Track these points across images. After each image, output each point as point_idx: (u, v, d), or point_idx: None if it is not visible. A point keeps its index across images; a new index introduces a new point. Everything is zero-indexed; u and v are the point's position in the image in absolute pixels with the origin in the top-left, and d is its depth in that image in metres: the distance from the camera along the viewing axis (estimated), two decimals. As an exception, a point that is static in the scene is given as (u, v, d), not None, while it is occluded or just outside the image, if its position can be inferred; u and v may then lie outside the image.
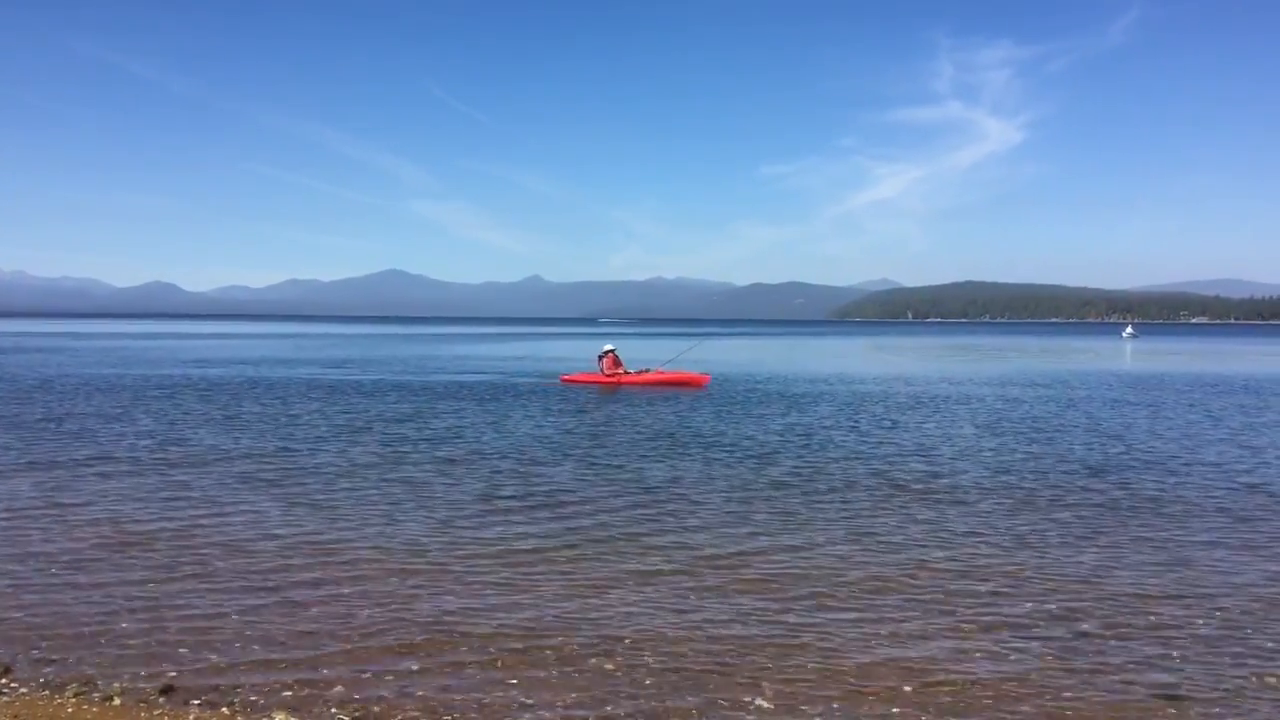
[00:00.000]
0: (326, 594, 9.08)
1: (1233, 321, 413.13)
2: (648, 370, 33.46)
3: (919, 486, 14.66)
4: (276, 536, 11.21)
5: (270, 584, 9.37)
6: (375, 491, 13.99)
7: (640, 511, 12.78)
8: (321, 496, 13.60)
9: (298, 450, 17.80)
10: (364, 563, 10.14)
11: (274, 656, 7.53)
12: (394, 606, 8.73)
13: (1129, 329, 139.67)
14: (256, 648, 7.70)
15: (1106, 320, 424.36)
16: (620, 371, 32.88)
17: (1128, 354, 72.06)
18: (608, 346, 34.05)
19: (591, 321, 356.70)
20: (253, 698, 6.80)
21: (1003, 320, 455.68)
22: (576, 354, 57.28)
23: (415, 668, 7.35)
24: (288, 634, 8.01)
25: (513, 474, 15.56)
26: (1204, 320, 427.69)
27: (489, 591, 9.21)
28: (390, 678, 7.16)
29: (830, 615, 8.62)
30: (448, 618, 8.45)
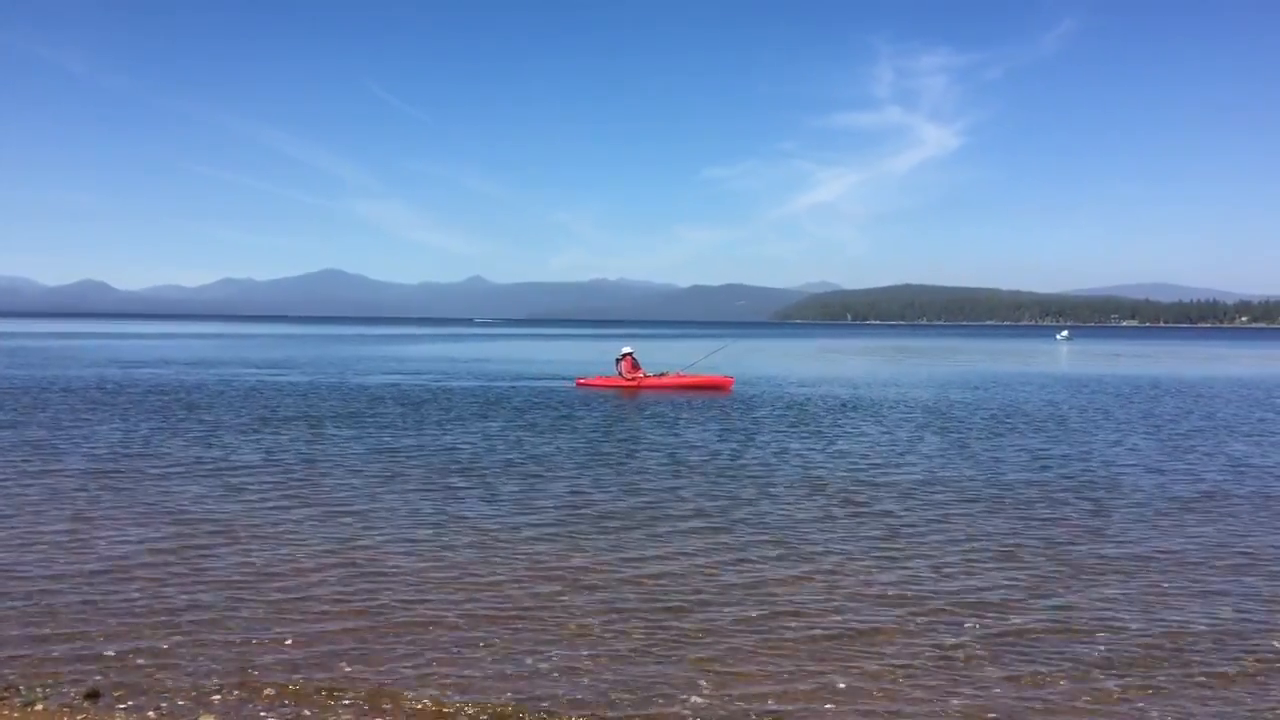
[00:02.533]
0: (259, 594, 8.89)
1: (1162, 324, 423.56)
2: (667, 374, 32.45)
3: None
4: (207, 535, 10.98)
5: (202, 584, 9.14)
6: (316, 491, 13.73)
7: (594, 507, 12.72)
8: (256, 493, 13.33)
9: (240, 447, 17.43)
10: (299, 565, 9.93)
11: (204, 659, 7.34)
12: (328, 606, 8.57)
13: (1064, 332, 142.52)
14: (185, 651, 7.49)
15: (1040, 323, 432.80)
16: (640, 375, 31.80)
17: (1064, 356, 73.51)
18: (626, 349, 32.85)
19: (538, 323, 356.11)
20: (180, 702, 6.62)
21: (940, 323, 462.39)
22: (576, 356, 56.95)
23: (348, 668, 7.22)
24: (218, 638, 7.82)
25: (472, 466, 15.35)
26: (1134, 323, 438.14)
27: (428, 585, 9.09)
28: (322, 677, 7.02)
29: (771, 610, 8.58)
30: (383, 617, 8.31)
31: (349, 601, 8.69)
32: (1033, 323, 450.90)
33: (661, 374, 32.33)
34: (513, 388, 33.10)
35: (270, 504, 12.80)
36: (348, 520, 11.88)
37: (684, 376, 32.41)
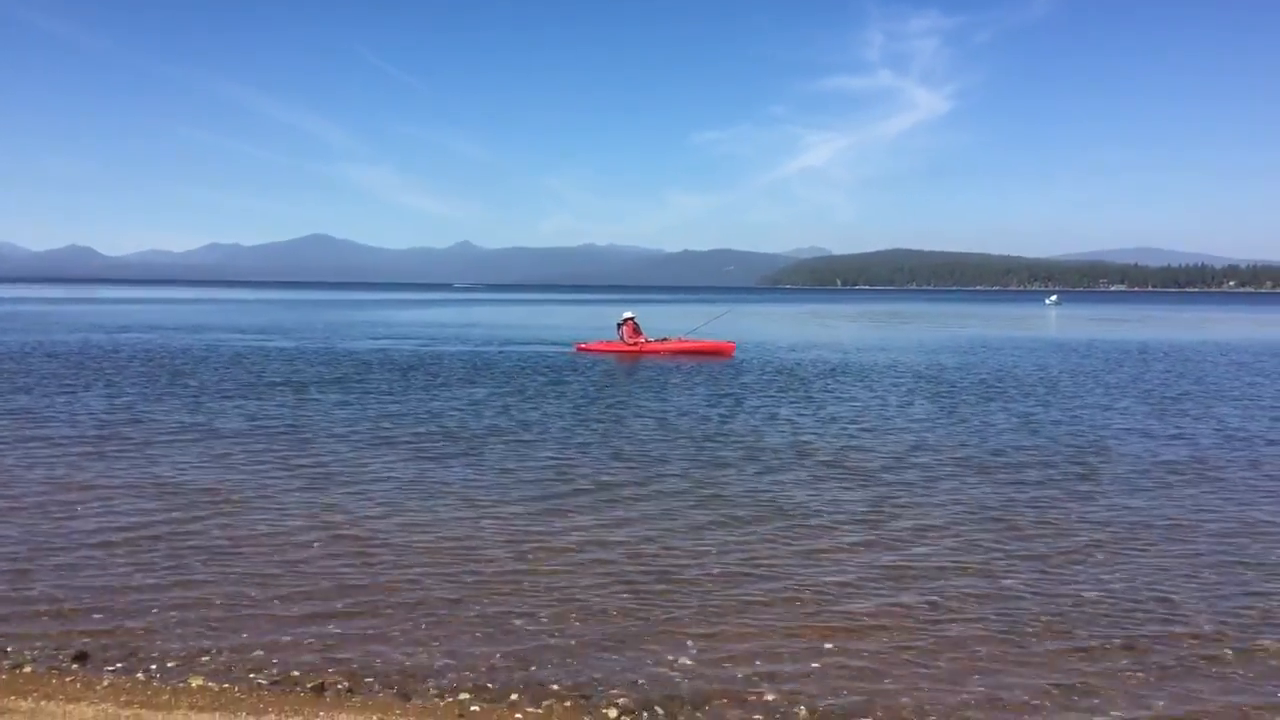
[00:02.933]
0: (246, 559, 8.89)
1: (1150, 289, 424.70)
2: (668, 339, 32.33)
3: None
4: (193, 501, 10.95)
5: (188, 549, 9.13)
6: (302, 457, 13.72)
7: (583, 471, 12.73)
8: (243, 460, 13.31)
9: (225, 414, 17.40)
10: (287, 528, 9.94)
11: (191, 622, 7.34)
12: (316, 571, 8.58)
13: (1053, 296, 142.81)
14: (174, 614, 7.49)
15: (1028, 288, 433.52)
16: (641, 340, 31.68)
17: (1054, 321, 73.68)
18: (627, 314, 32.78)
19: (522, 288, 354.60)
20: (169, 664, 6.63)
21: (929, 288, 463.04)
22: (562, 321, 56.85)
23: (337, 631, 7.23)
24: (206, 600, 7.83)
25: (457, 439, 15.35)
26: (1123, 288, 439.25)
27: (413, 556, 9.07)
28: (312, 641, 7.03)
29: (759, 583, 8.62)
30: (371, 582, 8.31)
31: (337, 568, 8.68)
32: (1021, 288, 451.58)
33: (663, 339, 32.22)
34: (501, 353, 33.09)
35: (257, 471, 12.76)
36: (334, 487, 11.86)
37: (685, 342, 32.32)
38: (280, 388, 21.58)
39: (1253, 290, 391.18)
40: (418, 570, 8.60)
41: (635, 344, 31.51)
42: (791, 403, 20.11)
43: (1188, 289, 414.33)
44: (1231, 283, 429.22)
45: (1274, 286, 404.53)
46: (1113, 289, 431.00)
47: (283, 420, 16.91)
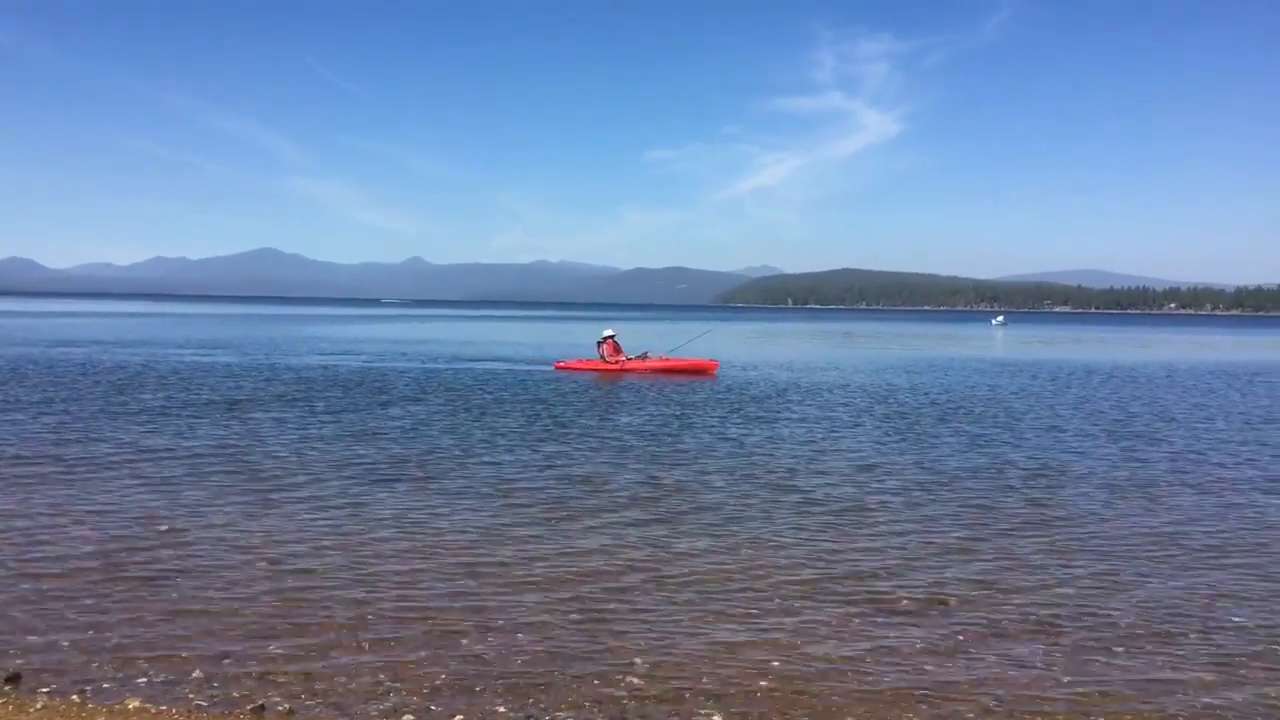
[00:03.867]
0: (184, 581, 8.72)
1: (1094, 310, 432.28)
2: (645, 356, 31.94)
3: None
4: (128, 524, 10.72)
5: (124, 572, 8.94)
6: (242, 478, 13.52)
7: (533, 491, 12.66)
8: (181, 481, 13.07)
9: (163, 432, 17.08)
10: (226, 549, 9.77)
11: (129, 644, 7.18)
12: (256, 592, 8.44)
13: (1000, 317, 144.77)
14: (110, 635, 7.33)
15: (975, 308, 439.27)
16: (622, 358, 31.35)
17: (1000, 341, 74.68)
18: (608, 332, 32.40)
19: (475, 304, 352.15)
20: (106, 685, 6.49)
21: (878, 307, 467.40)
22: (508, 338, 56.33)
23: (278, 652, 7.12)
24: (143, 621, 7.67)
25: (402, 460, 15.20)
26: (1067, 309, 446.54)
27: (356, 577, 8.96)
28: (251, 662, 6.92)
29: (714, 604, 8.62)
30: (312, 601, 8.21)
31: (277, 589, 8.54)
32: (968, 308, 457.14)
33: (643, 355, 31.99)
34: (457, 371, 32.83)
35: (196, 493, 12.48)
36: (275, 508, 11.67)
37: (667, 360, 32.03)
38: (219, 406, 21.12)
39: (1193, 312, 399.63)
40: (361, 591, 8.49)
41: (616, 362, 31.24)
42: (760, 422, 20.12)
43: (1130, 310, 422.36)
44: (1173, 305, 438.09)
45: (1214, 309, 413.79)
46: (1057, 310, 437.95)
47: (222, 439, 16.54)
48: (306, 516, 11.06)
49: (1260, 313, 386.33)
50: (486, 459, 15.04)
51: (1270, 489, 13.76)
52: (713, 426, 19.14)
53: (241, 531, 10.34)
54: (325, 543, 9.96)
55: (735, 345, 56.78)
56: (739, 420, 20.22)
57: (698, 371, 31.45)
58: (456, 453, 15.55)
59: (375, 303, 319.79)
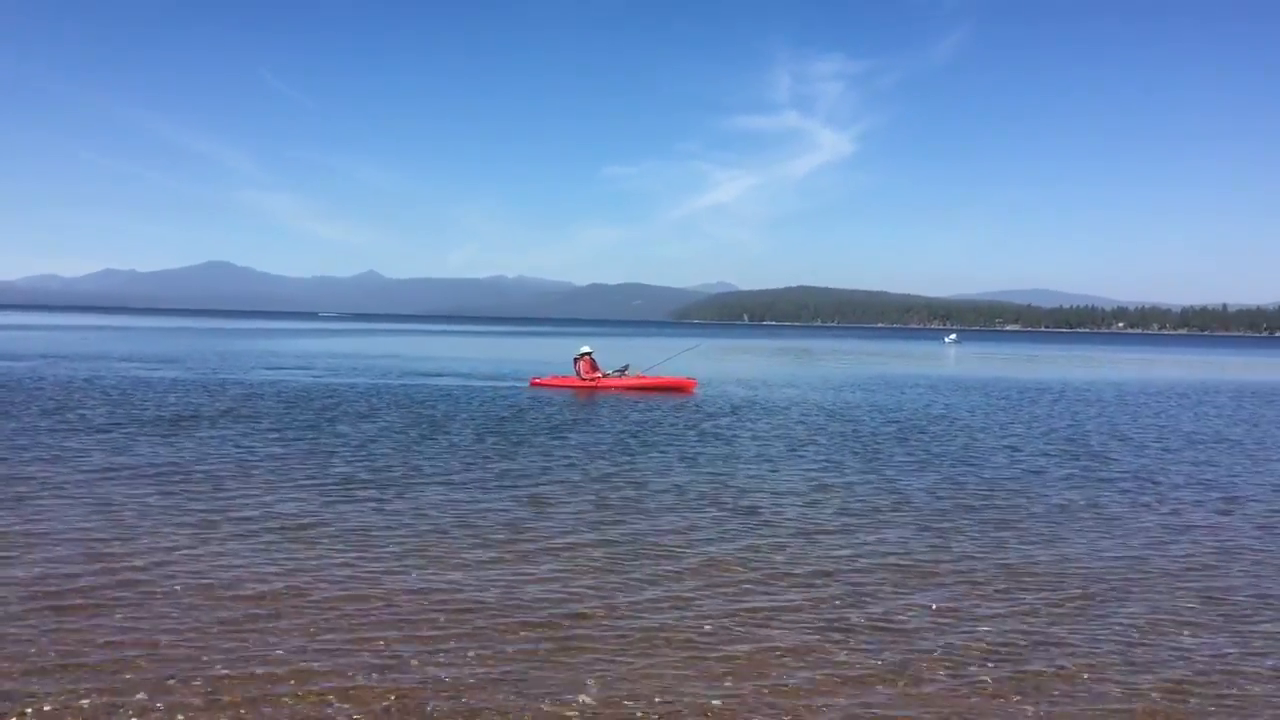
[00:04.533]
0: (128, 600, 8.55)
1: (1043, 329, 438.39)
2: (625, 369, 31.82)
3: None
4: (72, 542, 10.49)
5: (67, 591, 8.73)
6: (186, 498, 13.26)
7: (483, 512, 12.57)
8: (129, 501, 12.80)
9: (98, 451, 16.71)
10: (168, 569, 9.60)
11: (71, 664, 6.99)
12: (200, 612, 8.29)
13: (952, 335, 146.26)
14: (51, 656, 7.12)
15: (928, 326, 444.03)
16: (598, 375, 31.17)
17: (953, 359, 75.46)
18: (585, 349, 32.20)
19: (430, 319, 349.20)
20: (46, 707, 6.32)
21: (832, 324, 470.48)
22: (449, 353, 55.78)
23: (224, 673, 6.98)
24: (86, 641, 7.50)
25: (351, 480, 14.99)
26: (1017, 327, 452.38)
27: (301, 596, 8.85)
28: (197, 683, 6.78)
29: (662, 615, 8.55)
30: (258, 622, 8.09)
31: (223, 610, 8.41)
32: (921, 325, 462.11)
33: (621, 369, 31.86)
34: (408, 386, 32.52)
35: (134, 511, 12.24)
36: (216, 528, 11.45)
37: (644, 378, 31.88)
38: (163, 422, 20.73)
39: (1141, 331, 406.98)
40: (311, 612, 8.37)
41: (592, 379, 31.08)
42: (721, 440, 20.11)
43: (1079, 329, 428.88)
44: (1120, 324, 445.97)
45: (1160, 328, 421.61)
46: (1008, 328, 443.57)
47: (164, 458, 16.13)
48: (251, 537, 10.87)
49: (1205, 332, 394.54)
50: (438, 478, 14.89)
51: (1225, 510, 13.91)
52: (675, 445, 19.08)
53: (185, 553, 10.13)
54: (271, 564, 9.80)
55: (708, 362, 56.97)
56: (700, 438, 20.19)
57: (676, 389, 31.29)
58: (407, 472, 15.37)
59: (313, 316, 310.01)
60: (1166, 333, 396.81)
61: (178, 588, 8.85)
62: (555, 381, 31.93)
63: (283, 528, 11.27)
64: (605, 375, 31.35)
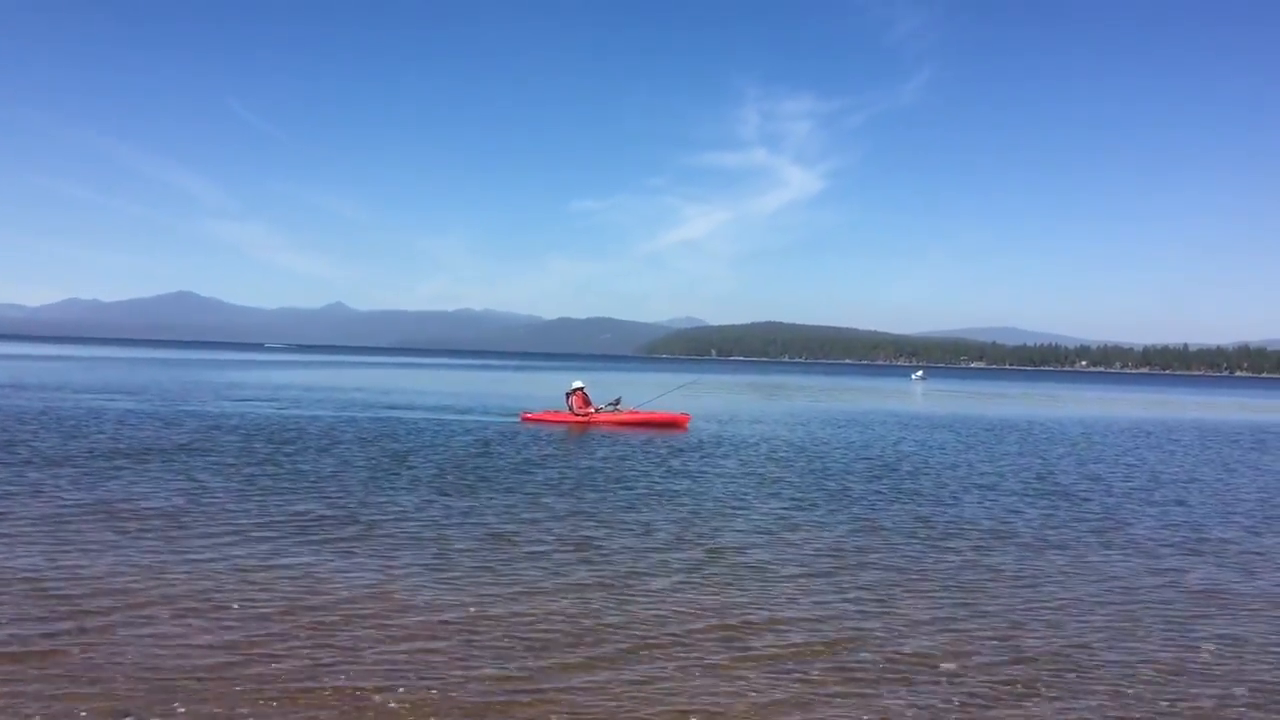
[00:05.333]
0: (80, 639, 8.32)
1: (1008, 366, 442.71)
2: (618, 403, 31.67)
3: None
4: (20, 579, 10.26)
5: (18, 631, 8.53)
6: (138, 532, 12.95)
7: (445, 545, 12.41)
8: (77, 536, 12.48)
9: (48, 484, 16.29)
10: (122, 607, 9.38)
11: (19, 703, 6.82)
12: (158, 647, 8.08)
13: (919, 372, 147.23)
14: (1, 697, 6.85)
15: (895, 362, 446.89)
16: (591, 410, 30.97)
17: (920, 396, 75.77)
18: (577, 384, 32.06)
19: (397, 351, 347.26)
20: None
21: (800, 360, 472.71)
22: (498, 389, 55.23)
23: (181, 710, 6.81)
24: (39, 679, 7.29)
25: (305, 517, 14.70)
26: (982, 365, 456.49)
27: (265, 629, 8.66)
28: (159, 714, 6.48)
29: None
30: (219, 654, 7.88)
31: (181, 644, 8.22)
32: (888, 362, 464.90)
33: (614, 402, 31.68)
34: (386, 420, 32.15)
35: (84, 547, 11.92)
36: (169, 566, 11.17)
37: (637, 413, 31.63)
38: (119, 454, 20.29)
39: (1104, 370, 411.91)
40: (277, 644, 8.18)
41: (585, 414, 30.81)
42: (695, 476, 20.00)
43: (1043, 367, 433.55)
44: (1083, 362, 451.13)
45: (1123, 367, 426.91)
46: (973, 365, 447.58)
47: (113, 492, 15.70)
48: (207, 574, 10.60)
49: (1166, 371, 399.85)
50: (394, 511, 14.69)
51: (1192, 551, 13.85)
52: (654, 479, 18.97)
53: (139, 590, 9.86)
54: (233, 593, 9.59)
55: (687, 399, 56.99)
56: (668, 474, 20.04)
57: (669, 425, 31.02)
58: (366, 508, 15.11)
59: (258, 347, 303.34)
60: (1129, 371, 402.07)
61: (131, 623, 8.63)
62: (548, 417, 31.62)
63: (242, 565, 11.01)
64: (598, 410, 31.11)
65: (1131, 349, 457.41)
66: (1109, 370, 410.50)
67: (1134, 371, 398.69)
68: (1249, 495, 19.94)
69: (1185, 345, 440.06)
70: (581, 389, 31.68)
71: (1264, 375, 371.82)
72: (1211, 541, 14.48)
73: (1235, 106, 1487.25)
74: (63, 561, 10.67)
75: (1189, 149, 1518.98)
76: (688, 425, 31.23)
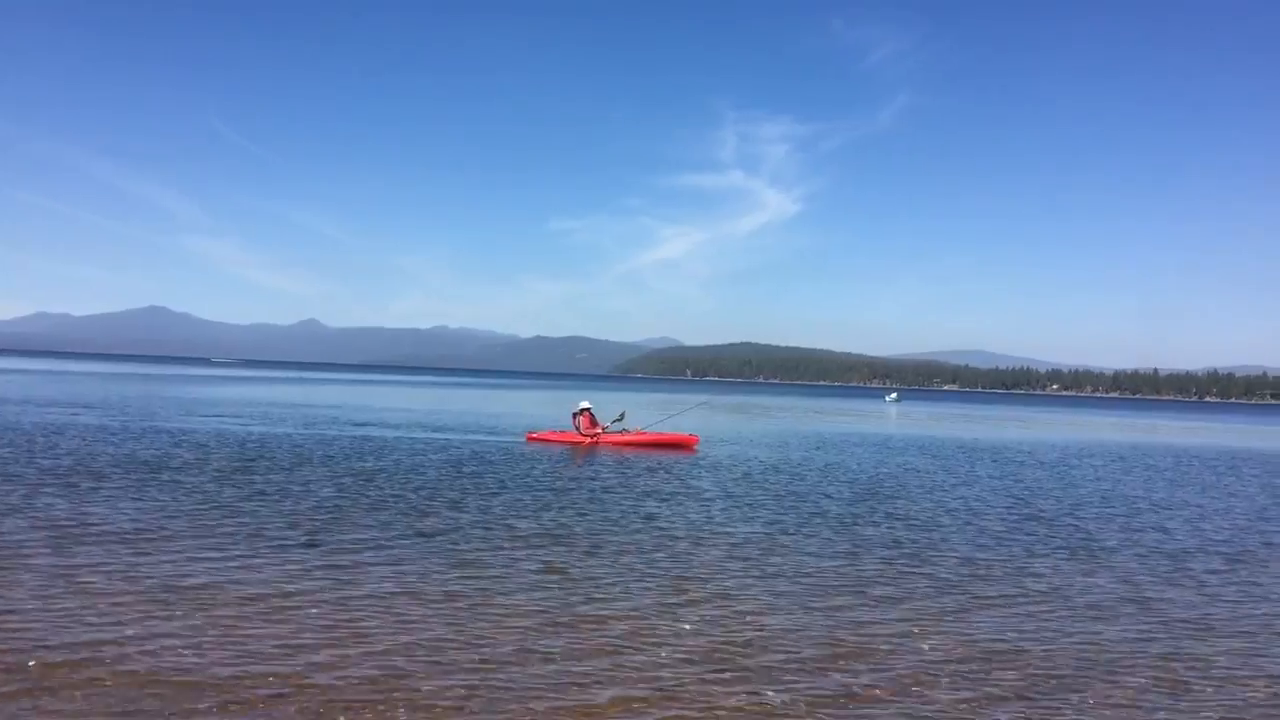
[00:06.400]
0: (30, 681, 7.95)
1: (980, 389, 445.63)
2: (623, 420, 31.38)
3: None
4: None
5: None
6: (85, 560, 12.51)
7: (422, 566, 12.14)
8: (21, 565, 12.04)
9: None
10: (66, 631, 8.90)
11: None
12: (108, 695, 7.65)
13: (893, 394, 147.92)
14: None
15: (868, 384, 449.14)
16: (598, 431, 30.72)
17: (894, 417, 75.86)
18: (584, 404, 31.76)
19: (370, 368, 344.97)
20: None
21: (775, 381, 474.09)
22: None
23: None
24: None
25: (259, 535, 14.40)
26: (954, 387, 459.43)
27: (224, 652, 8.40)
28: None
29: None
30: (182, 675, 7.61)
31: (127, 685, 7.86)
32: (862, 383, 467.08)
33: (619, 416, 31.39)
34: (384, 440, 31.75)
35: (28, 574, 11.57)
36: (114, 595, 10.84)
37: (644, 434, 31.35)
38: (74, 473, 19.88)
39: (1074, 393, 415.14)
40: (231, 667, 7.92)
41: (592, 435, 30.54)
42: (648, 496, 19.79)
43: (1014, 390, 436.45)
44: (1055, 386, 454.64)
45: (1094, 390, 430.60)
46: (946, 388, 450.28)
47: (64, 512, 15.33)
48: (157, 605, 10.22)
49: (1136, 395, 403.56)
50: (361, 533, 14.37)
51: (1172, 580, 13.67)
52: (642, 503, 18.68)
53: (81, 624, 9.47)
54: (190, 623, 9.29)
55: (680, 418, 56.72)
56: (642, 493, 19.83)
57: (678, 446, 30.73)
58: (332, 529, 14.80)
59: (205, 361, 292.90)
60: (1099, 395, 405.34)
61: (74, 670, 8.25)
62: (554, 437, 31.31)
63: (198, 587, 10.68)
64: (606, 430, 30.86)
65: (1102, 373, 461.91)
66: (1080, 394, 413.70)
67: (1105, 395, 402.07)
68: (1230, 520, 19.94)
69: (1155, 370, 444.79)
70: (589, 409, 31.43)
71: (1232, 400, 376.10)
72: (1193, 571, 14.35)
73: (1206, 133, 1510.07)
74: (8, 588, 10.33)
75: (1161, 175, 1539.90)
76: (696, 447, 30.92)
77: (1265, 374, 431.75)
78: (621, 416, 31.76)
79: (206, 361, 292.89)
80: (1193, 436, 62.63)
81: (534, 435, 31.86)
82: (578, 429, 30.96)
